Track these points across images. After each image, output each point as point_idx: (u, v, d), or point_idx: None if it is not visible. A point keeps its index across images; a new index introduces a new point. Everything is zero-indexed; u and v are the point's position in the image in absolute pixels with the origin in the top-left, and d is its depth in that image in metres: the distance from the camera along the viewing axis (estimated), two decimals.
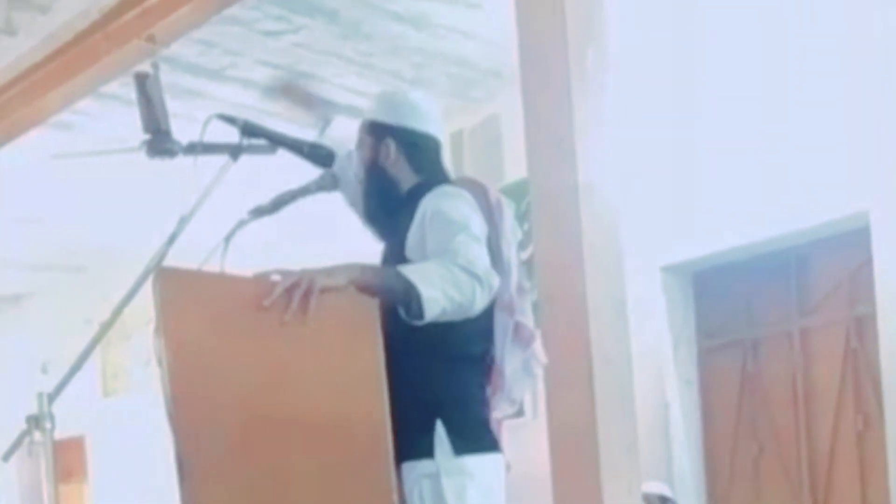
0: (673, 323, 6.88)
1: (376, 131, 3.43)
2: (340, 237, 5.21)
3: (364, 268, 2.96)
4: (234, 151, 3.21)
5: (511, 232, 3.37)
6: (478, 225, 3.18)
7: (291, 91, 3.91)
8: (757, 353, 6.73)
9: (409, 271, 2.92)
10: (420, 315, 2.89)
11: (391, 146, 3.40)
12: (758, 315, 6.73)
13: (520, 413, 3.43)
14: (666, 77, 6.51)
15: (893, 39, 5.62)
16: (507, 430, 3.51)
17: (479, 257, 3.05)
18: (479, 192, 3.34)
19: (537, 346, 3.38)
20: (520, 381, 3.37)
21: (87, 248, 10.29)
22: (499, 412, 3.36)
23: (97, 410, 10.71)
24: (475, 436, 3.24)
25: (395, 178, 3.42)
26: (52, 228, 9.59)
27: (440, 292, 2.90)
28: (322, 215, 5.63)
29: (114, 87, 6.43)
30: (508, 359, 3.34)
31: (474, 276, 2.97)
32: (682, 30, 6.35)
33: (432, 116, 3.50)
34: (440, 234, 3.11)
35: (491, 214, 3.30)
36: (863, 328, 6.13)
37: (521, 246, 3.54)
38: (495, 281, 3.06)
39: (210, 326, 2.76)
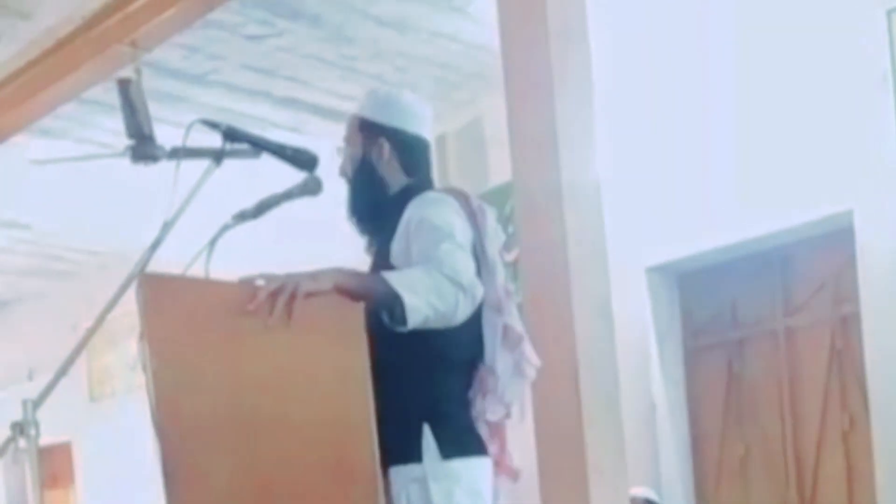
0: (658, 324, 6.89)
1: (369, 129, 3.43)
2: (326, 241, 5.22)
3: (348, 273, 2.96)
4: (217, 156, 3.21)
5: (494, 234, 3.36)
6: (462, 231, 3.18)
7: None
8: (743, 353, 6.75)
9: (394, 278, 2.92)
10: (403, 322, 2.89)
11: (384, 146, 3.39)
12: (743, 315, 6.74)
13: (509, 415, 3.41)
14: (648, 78, 6.52)
15: (876, 40, 5.63)
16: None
17: (465, 266, 3.04)
18: (460, 197, 3.34)
19: (527, 347, 3.37)
20: (512, 383, 3.36)
21: (74, 254, 10.29)
22: (492, 414, 3.36)
23: (84, 416, 10.69)
24: (462, 439, 3.24)
25: (385, 179, 3.41)
26: (39, 234, 9.58)
27: (423, 301, 2.89)
28: (306, 219, 5.64)
29: (97, 92, 6.43)
30: (499, 360, 3.33)
31: (458, 285, 2.97)
32: (665, 31, 6.36)
33: (425, 119, 3.50)
34: (425, 242, 3.11)
35: (474, 218, 3.30)
36: (848, 327, 6.15)
37: (506, 248, 3.54)
38: (479, 291, 3.05)
39: (194, 331, 2.76)
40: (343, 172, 3.47)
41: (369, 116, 3.45)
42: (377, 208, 3.39)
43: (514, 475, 3.46)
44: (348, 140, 3.47)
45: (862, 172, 5.73)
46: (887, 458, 5.77)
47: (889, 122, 5.61)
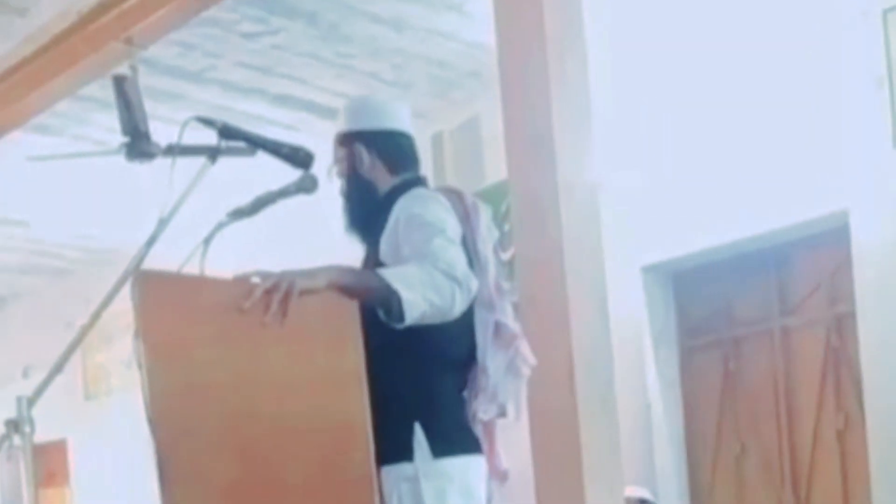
0: (654, 323, 6.89)
1: (346, 141, 3.45)
2: (321, 238, 5.21)
3: (344, 270, 2.96)
4: (213, 153, 3.21)
5: (488, 231, 3.36)
6: (453, 227, 3.18)
7: None
8: (738, 352, 6.74)
9: (390, 274, 2.92)
10: (400, 318, 2.89)
11: (362, 151, 3.41)
12: (739, 314, 6.74)
13: (502, 414, 3.41)
14: (644, 78, 6.52)
15: (872, 40, 5.63)
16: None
17: (458, 260, 3.05)
18: (453, 196, 3.35)
19: (523, 346, 3.36)
20: (505, 381, 3.35)
21: (69, 251, 10.28)
22: (483, 414, 3.35)
23: (79, 414, 10.69)
24: (454, 438, 3.24)
25: (373, 182, 3.42)
26: (35, 231, 9.57)
27: (420, 296, 2.89)
28: (302, 217, 5.64)
29: (93, 89, 6.42)
30: (491, 358, 3.33)
31: (454, 279, 2.97)
32: (660, 31, 6.35)
33: (397, 113, 3.51)
34: (416, 238, 3.11)
35: (467, 216, 3.30)
36: (843, 327, 6.15)
37: (502, 247, 3.53)
38: (474, 284, 3.05)
39: (189, 329, 2.76)
40: (342, 193, 3.49)
41: (345, 129, 3.47)
42: (370, 213, 3.40)
43: (502, 476, 3.46)
44: (335, 160, 3.48)
45: (857, 172, 5.73)
46: (882, 457, 5.78)
47: (884, 121, 5.60)
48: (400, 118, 3.49)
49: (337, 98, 6.94)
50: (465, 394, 3.35)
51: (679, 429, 6.98)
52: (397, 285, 2.86)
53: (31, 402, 2.92)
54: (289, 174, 3.32)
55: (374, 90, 6.93)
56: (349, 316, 2.92)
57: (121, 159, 5.07)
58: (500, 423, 3.43)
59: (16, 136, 6.95)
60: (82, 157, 7.09)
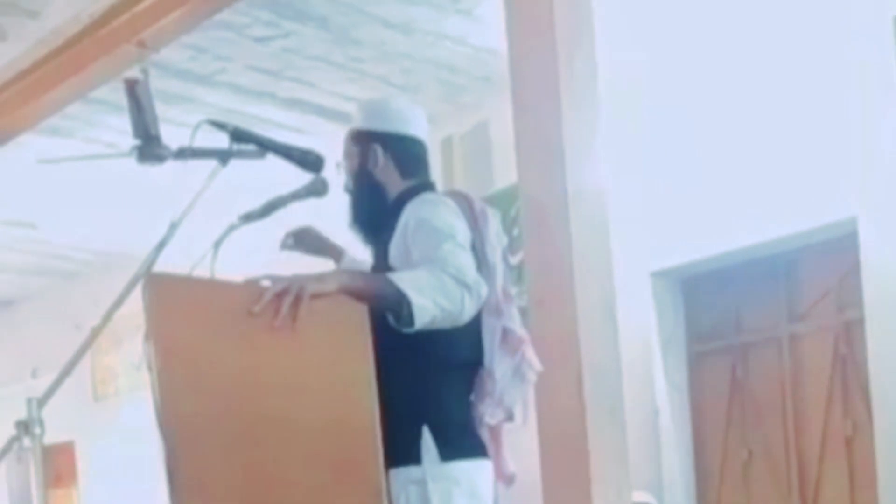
0: (662, 328, 6.89)
1: (362, 139, 3.45)
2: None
3: (354, 274, 2.97)
4: (224, 157, 3.22)
5: (496, 237, 3.37)
6: (462, 232, 3.19)
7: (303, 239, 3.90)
8: (746, 358, 6.74)
9: (400, 279, 2.92)
10: (410, 323, 2.90)
11: (378, 152, 3.41)
12: (747, 321, 6.74)
13: (509, 418, 3.42)
14: (653, 85, 6.52)
15: (882, 47, 5.63)
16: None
17: (468, 266, 3.05)
18: (462, 200, 3.35)
19: (529, 351, 3.37)
20: (511, 386, 3.36)
21: (79, 253, 10.30)
22: (490, 418, 3.36)
23: (87, 415, 10.70)
24: (462, 442, 3.25)
25: (383, 184, 3.43)
26: (45, 233, 9.59)
27: (430, 301, 2.90)
28: (313, 220, 5.64)
29: (104, 92, 6.43)
30: (498, 363, 3.34)
31: (464, 284, 2.98)
32: (670, 38, 6.35)
33: (416, 119, 3.52)
34: (426, 243, 3.11)
35: (475, 221, 3.31)
36: (851, 334, 6.14)
37: (511, 252, 3.54)
38: (483, 290, 3.06)
39: (200, 332, 2.76)
40: (347, 188, 3.49)
41: (361, 126, 3.47)
42: (377, 214, 3.40)
43: (509, 479, 3.46)
44: (346, 155, 3.49)
45: (866, 179, 5.72)
46: (890, 465, 5.77)
47: (894, 128, 5.60)
48: (418, 125, 3.50)
49: (346, 102, 6.95)
50: (472, 398, 3.35)
51: (687, 435, 6.98)
52: (408, 290, 2.87)
53: (41, 403, 2.93)
54: (299, 178, 3.33)
55: (384, 94, 6.93)
56: (359, 320, 2.93)
57: (132, 162, 5.08)
58: (507, 427, 3.44)
59: (27, 138, 6.96)
60: (93, 159, 7.10)
